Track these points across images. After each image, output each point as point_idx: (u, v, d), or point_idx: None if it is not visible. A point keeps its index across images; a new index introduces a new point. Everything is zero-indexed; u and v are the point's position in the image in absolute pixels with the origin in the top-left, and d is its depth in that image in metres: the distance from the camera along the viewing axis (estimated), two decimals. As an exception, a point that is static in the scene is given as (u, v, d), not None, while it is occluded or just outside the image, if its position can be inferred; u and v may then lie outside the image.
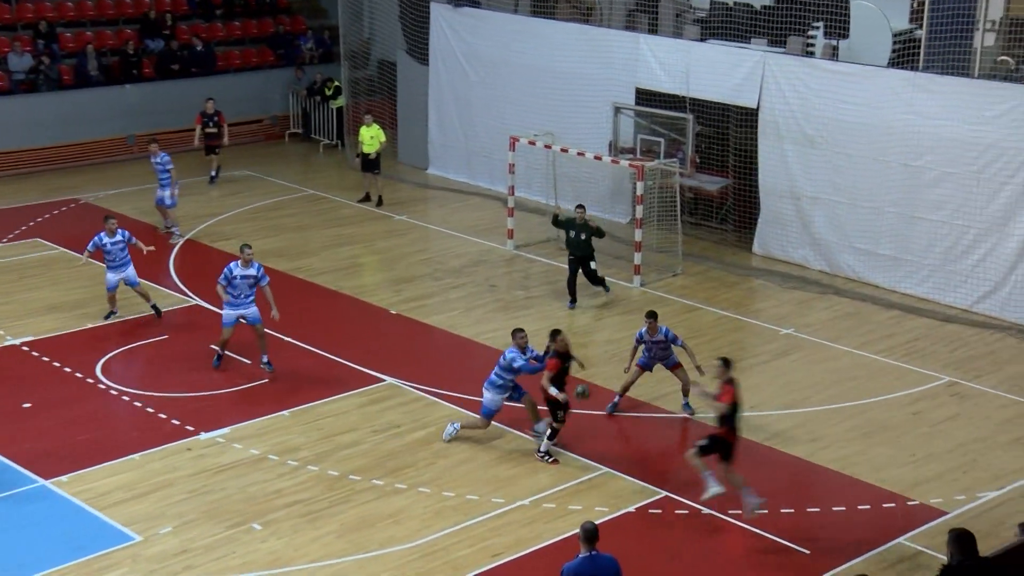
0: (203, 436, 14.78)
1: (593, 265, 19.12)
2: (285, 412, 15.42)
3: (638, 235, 20.05)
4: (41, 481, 13.68)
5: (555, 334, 14.23)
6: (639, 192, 19.97)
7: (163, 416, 15.27)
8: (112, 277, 17.96)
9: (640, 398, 16.00)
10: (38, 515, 13.08)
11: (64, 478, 13.75)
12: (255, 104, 28.73)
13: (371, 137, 24.06)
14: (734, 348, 17.86)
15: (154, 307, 18.27)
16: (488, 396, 14.52)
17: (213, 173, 25.46)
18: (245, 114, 28.33)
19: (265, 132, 29.25)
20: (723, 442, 13.00)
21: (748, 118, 21.41)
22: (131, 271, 18.06)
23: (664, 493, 13.65)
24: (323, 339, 17.64)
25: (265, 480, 13.84)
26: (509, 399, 14.61)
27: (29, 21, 27.57)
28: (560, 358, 14.19)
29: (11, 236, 22.03)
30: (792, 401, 16.04)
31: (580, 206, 19.31)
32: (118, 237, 17.90)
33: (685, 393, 15.52)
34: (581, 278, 19.21)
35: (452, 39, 25.59)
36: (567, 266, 19.30)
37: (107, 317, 18.21)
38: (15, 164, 26.03)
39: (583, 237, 18.94)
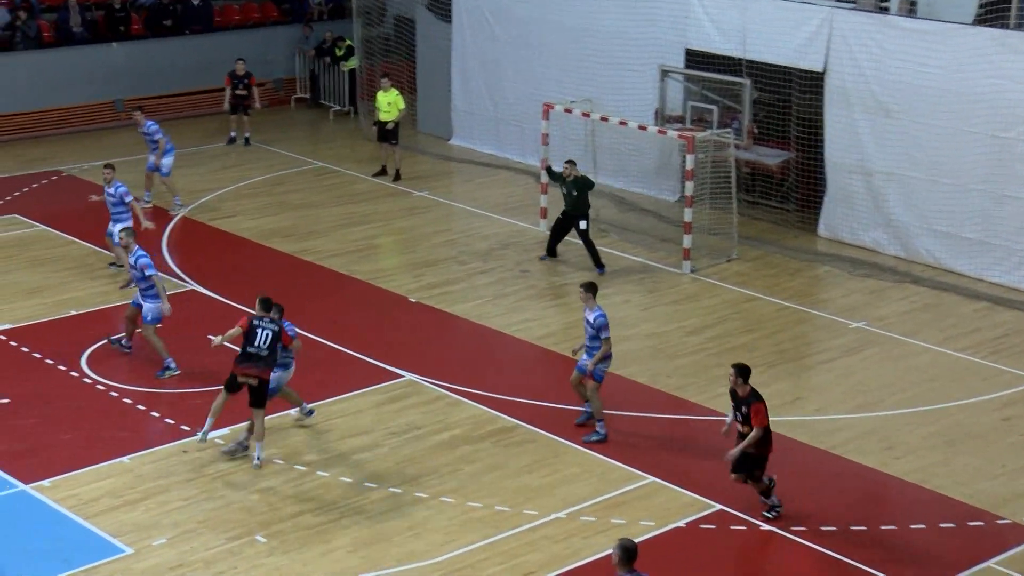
0: (199, 437, 14.78)
1: (583, 225, 19.84)
2: (292, 411, 15.40)
3: (688, 215, 19.94)
4: (21, 485, 13.74)
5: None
6: (689, 166, 19.84)
7: (156, 414, 15.30)
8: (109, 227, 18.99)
9: (692, 399, 15.90)
10: (18, 523, 13.13)
11: (46, 482, 13.80)
12: (257, 66, 28.54)
13: (388, 103, 24.00)
14: (798, 343, 17.77)
15: (114, 264, 19.10)
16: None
17: (247, 135, 26.08)
18: (246, 77, 28.36)
19: (268, 97, 29.22)
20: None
21: (813, 83, 21.23)
22: (117, 227, 18.53)
23: (718, 506, 13.57)
24: (334, 330, 17.62)
25: (269, 487, 13.83)
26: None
27: (6, -29, 27.69)
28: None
29: (-15, 212, 22.19)
30: (864, 404, 15.90)
31: (568, 161, 20.02)
32: (110, 190, 18.59)
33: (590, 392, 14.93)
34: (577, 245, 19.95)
35: (479, -7, 25.53)
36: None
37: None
38: (-12, 131, 26.19)
39: (574, 193, 19.75)
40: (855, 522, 13.32)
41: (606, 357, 14.67)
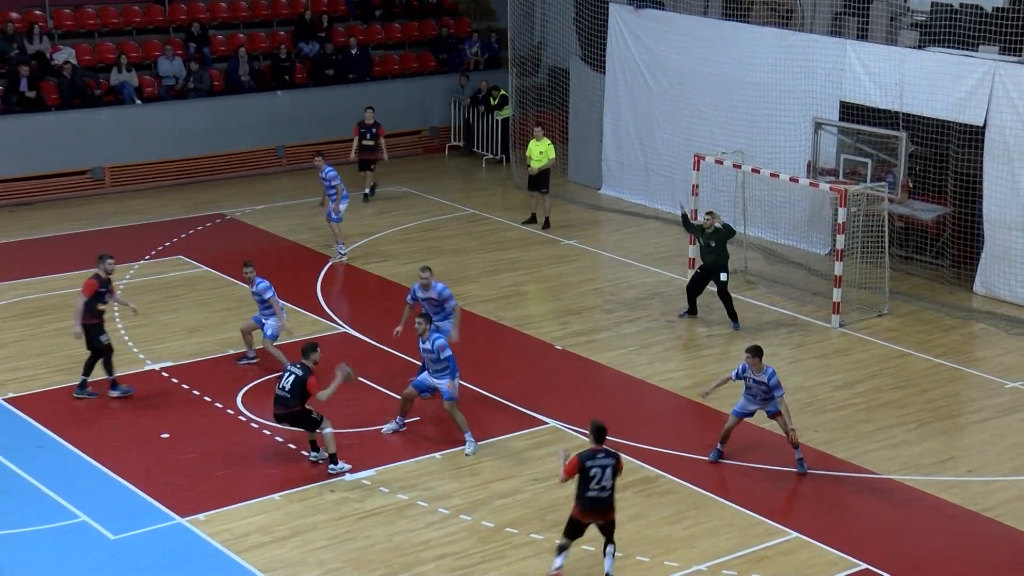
0: (347, 477, 15.03)
1: (724, 277, 19.35)
2: (436, 455, 15.55)
3: (838, 268, 19.61)
4: (177, 519, 14.10)
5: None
6: (841, 220, 19.53)
7: (305, 453, 15.57)
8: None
9: (838, 455, 15.59)
10: (174, 555, 13.45)
11: (201, 516, 14.15)
12: (413, 114, 29.26)
13: (540, 152, 24.19)
14: (950, 401, 17.30)
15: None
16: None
17: (367, 191, 26.02)
18: (402, 125, 28.84)
19: (423, 145, 29.74)
20: None
21: (972, 137, 20.75)
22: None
23: (864, 565, 13.26)
24: (481, 375, 17.76)
25: (413, 529, 13.97)
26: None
27: (181, 23, 28.72)
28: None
29: (153, 253, 22.91)
30: (1019, 466, 15.39)
31: (709, 213, 19.62)
32: (253, 288, 17.63)
33: (795, 446, 15.11)
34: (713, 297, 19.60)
35: (632, 45, 25.61)
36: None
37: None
38: (160, 175, 27.10)
39: (712, 245, 19.31)
40: (1007, 589, 12.90)
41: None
